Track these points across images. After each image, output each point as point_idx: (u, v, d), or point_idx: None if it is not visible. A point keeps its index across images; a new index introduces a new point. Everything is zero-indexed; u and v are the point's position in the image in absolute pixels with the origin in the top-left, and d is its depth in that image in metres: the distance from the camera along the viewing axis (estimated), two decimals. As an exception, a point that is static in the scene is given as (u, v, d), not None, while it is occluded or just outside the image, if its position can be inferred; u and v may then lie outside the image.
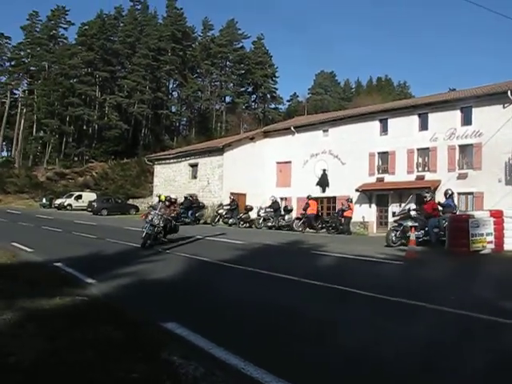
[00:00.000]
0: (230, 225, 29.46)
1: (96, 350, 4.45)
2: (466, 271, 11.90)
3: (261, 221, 28.86)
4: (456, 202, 28.64)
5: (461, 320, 6.33)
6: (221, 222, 30.02)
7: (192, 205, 29.86)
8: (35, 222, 25.90)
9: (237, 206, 30.89)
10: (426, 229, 16.69)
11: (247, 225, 29.65)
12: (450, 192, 18.09)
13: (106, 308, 6.44)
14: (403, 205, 20.31)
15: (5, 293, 6.81)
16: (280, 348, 5.02)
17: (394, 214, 19.91)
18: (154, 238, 14.78)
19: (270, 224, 28.66)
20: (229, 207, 30.59)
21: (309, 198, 28.25)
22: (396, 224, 17.41)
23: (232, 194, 34.11)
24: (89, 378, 3.76)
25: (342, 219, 26.51)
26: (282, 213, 29.72)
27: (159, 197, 34.24)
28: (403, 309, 7.01)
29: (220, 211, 30.40)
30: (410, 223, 16.71)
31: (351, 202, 27.97)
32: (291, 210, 30.08)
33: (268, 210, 29.37)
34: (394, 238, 16.80)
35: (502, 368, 4.46)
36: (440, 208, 17.50)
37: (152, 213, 15.14)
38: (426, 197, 17.70)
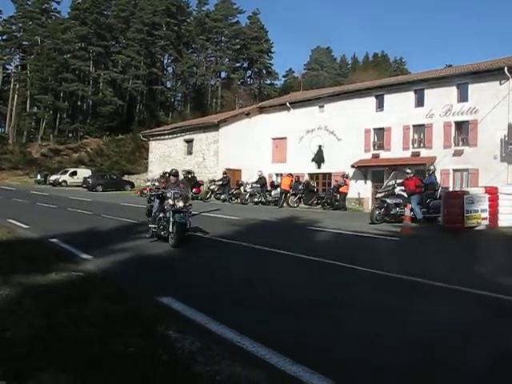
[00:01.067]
0: (223, 200, 29.41)
1: (92, 325, 4.47)
2: (461, 247, 11.96)
3: (247, 196, 28.85)
4: (451, 178, 28.88)
5: (459, 296, 6.38)
6: (213, 197, 29.99)
7: None
8: (30, 199, 25.85)
9: (228, 181, 30.79)
10: (410, 206, 16.60)
11: (238, 200, 29.58)
12: (432, 169, 18.07)
13: (102, 283, 6.46)
14: (385, 181, 20.25)
15: (2, 269, 6.82)
16: (277, 323, 5.05)
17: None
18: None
19: (256, 199, 28.64)
20: (220, 183, 30.50)
21: (288, 174, 28.97)
22: (380, 201, 17.22)
23: (227, 169, 34.02)
24: (86, 353, 3.78)
25: (338, 195, 26.46)
26: (269, 188, 29.71)
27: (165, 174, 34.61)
28: (402, 285, 7.06)
29: (212, 187, 30.31)
30: (394, 200, 16.66)
31: (347, 177, 27.96)
32: (278, 186, 29.99)
33: (254, 185, 29.32)
34: (378, 216, 16.59)
35: (498, 343, 4.51)
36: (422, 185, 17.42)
37: (169, 194, 10.82)
38: (408, 173, 17.37)
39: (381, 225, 15.93)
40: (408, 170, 17.55)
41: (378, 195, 17.78)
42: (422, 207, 16.54)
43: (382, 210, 16.65)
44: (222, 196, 29.90)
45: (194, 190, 31.19)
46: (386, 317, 5.38)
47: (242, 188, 30.66)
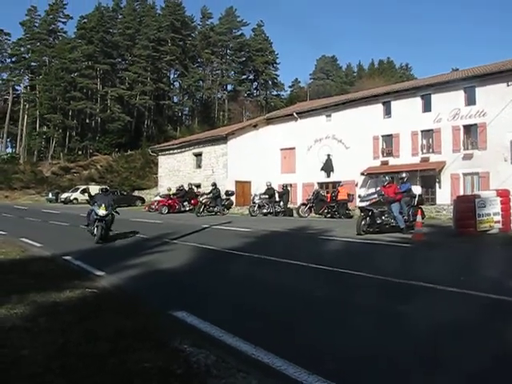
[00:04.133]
0: (215, 213, 28.47)
1: (107, 341, 4.48)
2: (474, 252, 11.87)
3: (256, 208, 28.26)
4: (462, 182, 28.81)
5: (471, 301, 6.34)
6: (205, 211, 28.54)
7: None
8: (42, 217, 25.96)
9: (219, 193, 29.51)
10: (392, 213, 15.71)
11: (229, 212, 29.61)
12: (404, 175, 17.42)
13: (116, 299, 6.48)
14: (365, 190, 19.50)
15: (16, 287, 6.85)
16: (291, 334, 5.04)
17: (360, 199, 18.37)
18: None
19: (265, 211, 28.18)
20: (211, 195, 29.04)
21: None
22: (365, 211, 16.09)
23: (236, 181, 34.28)
24: (100, 369, 3.79)
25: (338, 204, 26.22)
26: (277, 199, 29.24)
27: (169, 190, 34.10)
28: (415, 292, 7.00)
29: (204, 200, 28.75)
30: (379, 209, 15.68)
31: (341, 186, 27.70)
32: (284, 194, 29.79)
33: (263, 196, 28.79)
34: (363, 227, 15.51)
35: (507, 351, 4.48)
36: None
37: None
38: (385, 180, 16.75)
39: (394, 232, 15.73)
40: (386, 177, 16.94)
41: (362, 204, 16.62)
42: (404, 215, 15.90)
43: (368, 219, 15.71)
44: (216, 208, 28.79)
45: (192, 201, 31.54)
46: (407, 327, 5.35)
47: (232, 198, 30.94)
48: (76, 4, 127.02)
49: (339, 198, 26.10)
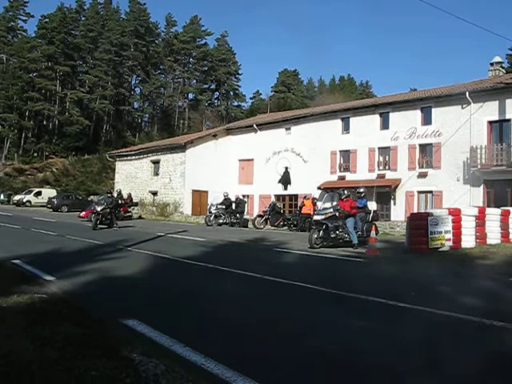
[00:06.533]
0: (110, 227, 22.78)
1: (54, 348, 4.38)
2: (425, 268, 12.10)
3: (212, 218, 28.13)
4: (416, 200, 29.34)
5: (420, 316, 6.45)
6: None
7: None
8: (-8, 219, 25.36)
9: (117, 203, 24.79)
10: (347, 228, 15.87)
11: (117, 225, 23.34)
12: (362, 190, 17.59)
13: (66, 305, 6.34)
14: (320, 204, 19.73)
15: (-40, 291, 6.65)
16: (243, 345, 5.04)
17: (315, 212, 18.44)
18: None
19: (221, 221, 28.19)
20: (107, 205, 22.95)
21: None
22: (318, 224, 16.05)
23: (193, 190, 33.92)
24: (46, 376, 3.71)
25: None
26: (234, 209, 29.24)
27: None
28: (368, 306, 7.09)
29: (101, 211, 22.81)
30: (334, 223, 15.74)
31: (307, 199, 27.66)
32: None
33: (219, 206, 28.76)
34: (316, 240, 15.51)
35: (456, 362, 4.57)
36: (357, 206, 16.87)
37: None
38: (342, 194, 16.66)
39: (347, 248, 15.89)
40: (345, 191, 16.87)
41: (316, 218, 16.54)
42: (357, 230, 16.09)
43: (321, 233, 15.67)
44: (114, 225, 22.87)
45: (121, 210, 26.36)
46: (357, 339, 5.40)
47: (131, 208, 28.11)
48: (38, 3, 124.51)
49: (303, 211, 25.94)
